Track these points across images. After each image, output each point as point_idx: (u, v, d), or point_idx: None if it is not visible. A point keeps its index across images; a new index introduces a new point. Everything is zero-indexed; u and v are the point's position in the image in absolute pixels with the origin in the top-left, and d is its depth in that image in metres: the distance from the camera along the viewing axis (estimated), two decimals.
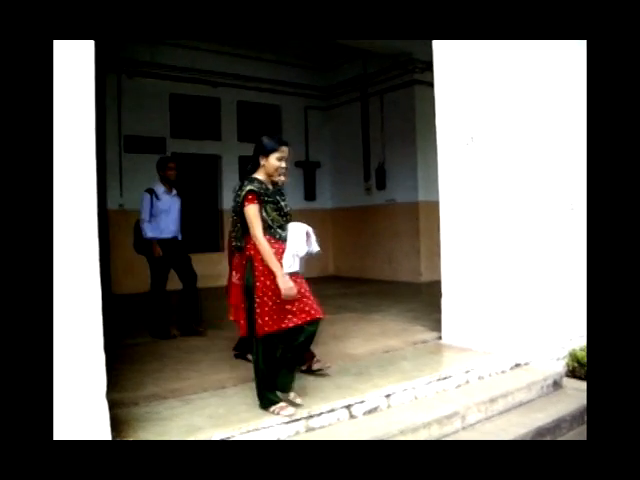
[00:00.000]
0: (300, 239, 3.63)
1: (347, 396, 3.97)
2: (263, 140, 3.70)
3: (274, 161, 3.66)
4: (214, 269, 8.90)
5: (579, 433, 4.41)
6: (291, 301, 3.54)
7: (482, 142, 5.15)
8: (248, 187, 3.57)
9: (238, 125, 11.38)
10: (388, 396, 4.12)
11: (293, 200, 12.68)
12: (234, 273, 3.82)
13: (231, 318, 4.02)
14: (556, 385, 4.98)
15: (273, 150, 3.66)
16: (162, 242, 6.09)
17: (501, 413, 4.38)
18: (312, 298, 3.66)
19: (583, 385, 5.09)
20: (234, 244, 3.80)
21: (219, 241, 10.90)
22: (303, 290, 3.61)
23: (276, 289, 3.51)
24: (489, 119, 5.16)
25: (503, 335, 5.12)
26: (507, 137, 5.22)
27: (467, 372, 4.68)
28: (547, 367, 5.17)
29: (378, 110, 11.13)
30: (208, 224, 11.09)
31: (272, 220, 3.61)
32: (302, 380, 4.36)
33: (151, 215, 6.08)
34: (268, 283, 3.54)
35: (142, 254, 6.23)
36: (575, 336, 5.60)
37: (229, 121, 11.29)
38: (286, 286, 3.47)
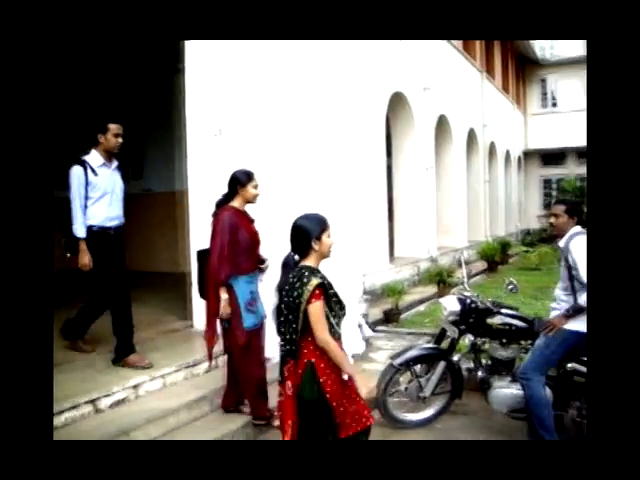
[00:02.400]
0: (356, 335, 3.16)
1: (92, 390, 3.89)
2: (305, 226, 2.97)
3: (328, 239, 2.99)
4: None
5: None
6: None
7: (230, 134, 5.31)
8: (315, 280, 2.83)
9: None
10: (136, 387, 4.11)
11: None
12: (288, 384, 2.97)
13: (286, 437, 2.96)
14: None
15: (324, 229, 2.99)
16: (104, 234, 4.44)
17: None
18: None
19: None
20: (286, 348, 2.98)
21: None
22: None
23: (347, 396, 2.93)
24: (237, 113, 5.35)
25: None
26: (254, 131, 5.46)
27: (216, 357, 4.81)
28: None
29: (138, 96, 10.82)
30: None
31: (335, 316, 2.95)
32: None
33: (86, 198, 4.37)
34: (338, 390, 2.90)
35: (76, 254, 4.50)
36: None
37: None
38: (369, 386, 3.11)
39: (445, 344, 4.66)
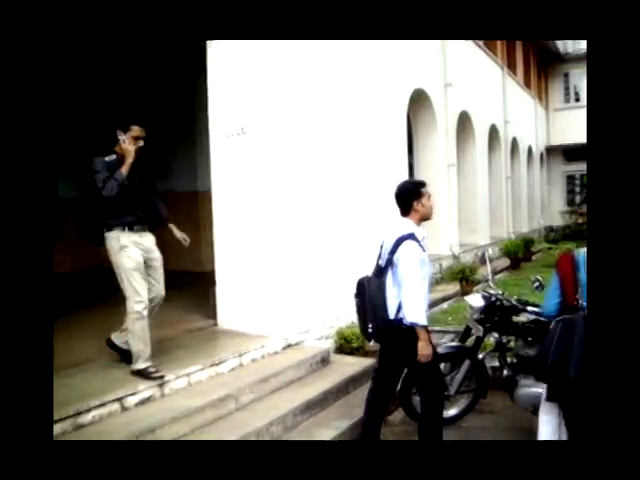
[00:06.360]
0: None
1: (118, 389, 3.90)
2: None
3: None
4: None
5: (345, 402, 4.81)
6: None
7: (253, 134, 5.31)
8: None
9: None
10: (161, 385, 4.13)
11: (66, 190, 11.75)
12: None
13: None
14: (324, 361, 5.35)
15: None
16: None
17: (273, 392, 4.61)
18: None
19: (348, 359, 5.58)
20: None
21: None
22: None
23: None
24: (261, 112, 5.34)
25: (276, 319, 5.37)
26: (277, 130, 5.46)
27: (240, 355, 4.85)
28: (316, 346, 5.55)
29: (160, 98, 10.89)
30: None
31: None
32: (72, 377, 4.20)
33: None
34: None
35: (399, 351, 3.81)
36: (342, 316, 6.06)
37: None
38: None
39: (470, 342, 4.63)
